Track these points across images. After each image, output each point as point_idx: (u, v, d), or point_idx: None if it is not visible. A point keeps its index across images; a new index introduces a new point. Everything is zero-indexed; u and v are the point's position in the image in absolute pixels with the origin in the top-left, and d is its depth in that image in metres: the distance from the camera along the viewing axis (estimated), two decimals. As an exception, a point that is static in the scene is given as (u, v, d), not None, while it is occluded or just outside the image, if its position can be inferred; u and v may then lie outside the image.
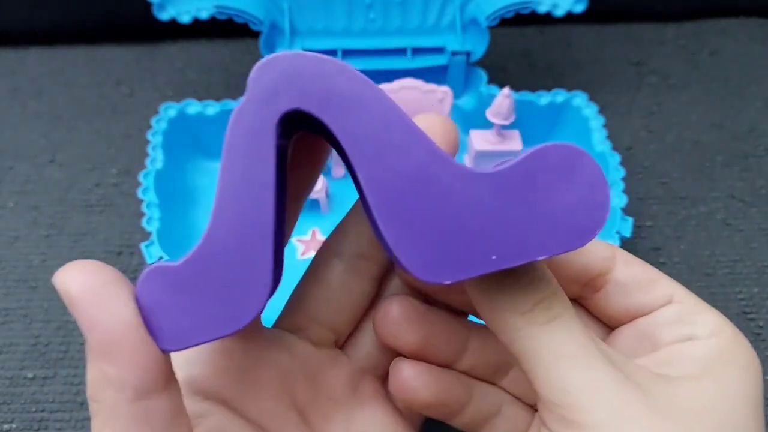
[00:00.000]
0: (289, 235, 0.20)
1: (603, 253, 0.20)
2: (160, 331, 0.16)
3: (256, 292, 0.16)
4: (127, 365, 0.15)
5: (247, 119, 0.15)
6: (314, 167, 0.19)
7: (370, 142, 0.15)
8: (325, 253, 0.21)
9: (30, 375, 0.36)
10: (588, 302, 0.21)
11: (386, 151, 0.15)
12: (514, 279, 0.17)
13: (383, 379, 0.22)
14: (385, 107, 0.15)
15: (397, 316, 0.20)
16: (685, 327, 0.19)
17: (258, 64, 0.15)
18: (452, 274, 0.16)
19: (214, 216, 0.16)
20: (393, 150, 0.15)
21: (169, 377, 0.16)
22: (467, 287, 0.18)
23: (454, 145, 0.18)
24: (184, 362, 0.19)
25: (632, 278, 0.20)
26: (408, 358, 0.21)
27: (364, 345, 0.21)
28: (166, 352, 0.16)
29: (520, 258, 0.16)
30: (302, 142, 0.18)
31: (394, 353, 0.21)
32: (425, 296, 0.22)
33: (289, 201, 0.19)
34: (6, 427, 0.34)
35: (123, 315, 0.15)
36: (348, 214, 0.20)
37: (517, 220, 0.16)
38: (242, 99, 0.15)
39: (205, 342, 0.16)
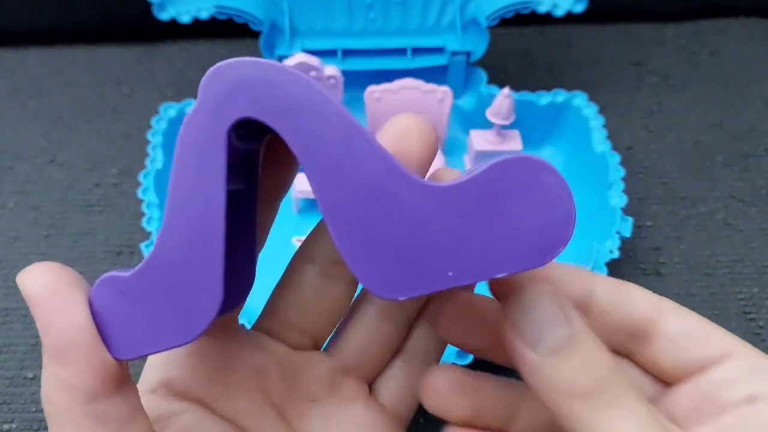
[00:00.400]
0: (264, 239, 0.20)
1: (646, 300, 0.19)
2: (113, 340, 0.16)
3: (205, 305, 0.16)
4: (79, 369, 0.15)
5: (197, 128, 0.15)
6: (287, 170, 0.19)
7: (326, 154, 0.15)
8: (298, 259, 0.20)
9: (30, 375, 0.36)
10: (639, 357, 0.20)
11: (341, 164, 0.15)
12: (567, 360, 0.16)
13: (367, 380, 0.22)
14: (341, 119, 0.15)
15: (444, 390, 0.20)
16: (747, 386, 0.18)
17: (209, 71, 0.15)
18: (406, 290, 0.15)
19: (164, 227, 0.15)
20: (348, 163, 0.15)
21: (122, 381, 0.16)
22: (519, 367, 0.17)
23: (431, 146, 0.17)
24: (161, 363, 0.19)
25: (684, 331, 0.19)
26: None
27: (347, 347, 0.21)
28: (117, 360, 0.16)
29: (478, 275, 0.15)
30: (274, 144, 0.18)
31: (378, 356, 0.21)
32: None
33: (262, 204, 0.18)
34: (6, 427, 0.34)
35: (77, 319, 0.15)
36: (321, 221, 0.20)
37: (475, 235, 0.15)
38: (193, 106, 0.15)
39: (155, 352, 0.16)
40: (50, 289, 0.15)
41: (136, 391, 0.17)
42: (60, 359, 0.15)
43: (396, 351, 0.21)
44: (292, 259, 0.21)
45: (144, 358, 0.16)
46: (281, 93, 0.15)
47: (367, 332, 0.21)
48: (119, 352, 0.16)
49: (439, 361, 0.22)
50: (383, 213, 0.15)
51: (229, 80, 0.15)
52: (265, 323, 0.21)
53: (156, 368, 0.19)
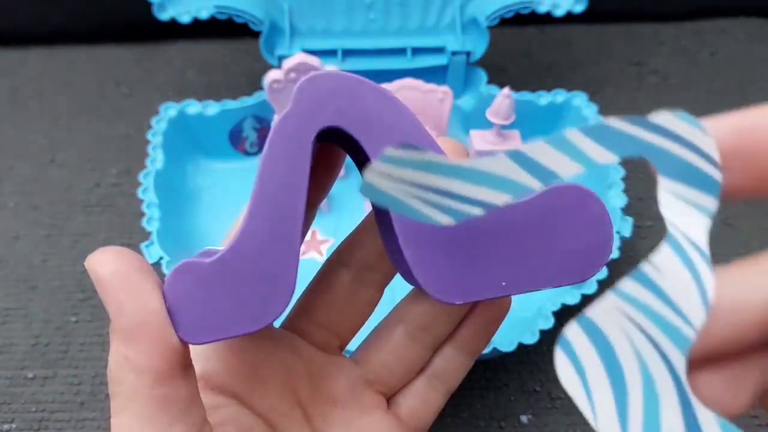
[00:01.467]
0: (302, 239, 0.21)
1: None
2: (185, 324, 0.16)
3: (280, 293, 0.17)
4: (147, 350, 0.16)
5: (288, 131, 0.16)
6: (330, 175, 0.20)
7: None
8: (333, 262, 0.21)
9: (30, 375, 0.36)
10: None
11: None
12: None
13: (386, 394, 0.22)
14: (414, 132, 0.16)
15: None
16: None
17: (303, 80, 0.16)
18: (463, 295, 0.17)
19: (247, 219, 0.16)
20: None
21: (186, 366, 0.17)
22: None
23: None
24: (200, 358, 0.20)
25: None
26: None
27: (373, 360, 0.22)
28: (186, 344, 0.16)
29: (527, 287, 0.17)
30: (320, 150, 0.19)
31: (401, 374, 0.22)
32: None
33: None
34: (6, 427, 0.34)
35: (149, 303, 0.16)
36: (359, 227, 0.21)
37: (528, 251, 0.17)
38: (286, 111, 0.16)
39: (226, 338, 0.17)
40: (122, 273, 0.16)
41: (195, 377, 0.17)
42: (129, 340, 0.16)
43: (419, 370, 0.22)
44: (327, 261, 0.21)
45: (211, 342, 0.17)
46: (363, 105, 0.16)
47: (394, 350, 0.21)
48: (190, 336, 0.16)
49: (459, 382, 0.22)
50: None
51: (320, 91, 0.16)
52: (296, 322, 0.21)
53: (196, 362, 0.19)
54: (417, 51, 0.45)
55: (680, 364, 0.14)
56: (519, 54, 0.53)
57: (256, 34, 0.43)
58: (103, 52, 0.53)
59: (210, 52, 0.53)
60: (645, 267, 0.14)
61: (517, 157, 0.14)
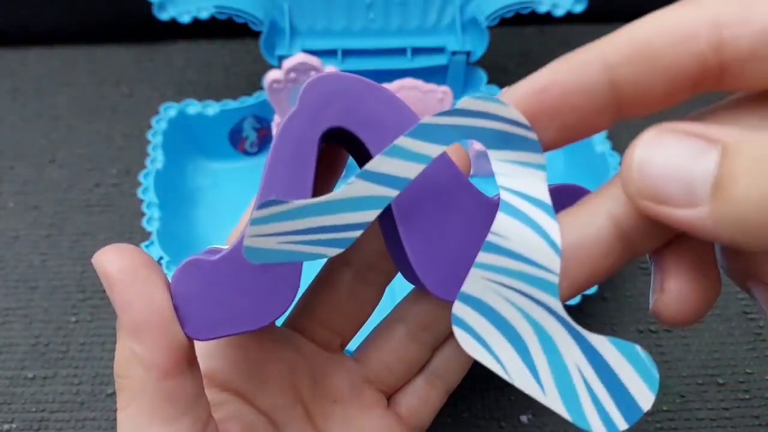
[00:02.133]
0: None
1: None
2: (190, 320, 0.17)
3: (285, 291, 0.17)
4: (155, 347, 0.16)
5: (294, 132, 0.16)
6: (332, 176, 0.20)
7: None
8: (335, 261, 0.21)
9: (30, 375, 0.36)
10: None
11: None
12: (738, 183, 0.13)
13: (386, 393, 0.22)
14: None
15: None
16: None
17: (308, 82, 0.16)
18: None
19: None
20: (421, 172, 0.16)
21: (192, 362, 0.17)
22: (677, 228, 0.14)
23: (465, 170, 0.19)
24: (204, 355, 0.20)
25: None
26: None
27: (374, 358, 0.22)
28: (192, 339, 0.17)
29: None
30: (323, 152, 0.19)
31: (401, 374, 0.22)
32: None
33: None
34: (6, 427, 0.34)
35: (155, 299, 0.16)
36: None
37: None
38: (291, 111, 0.16)
39: (230, 334, 0.17)
40: (129, 269, 0.16)
41: (200, 372, 0.17)
42: (136, 335, 0.16)
43: (419, 369, 0.22)
44: (328, 261, 0.21)
45: (217, 339, 0.17)
46: (368, 106, 0.17)
47: (394, 350, 0.21)
48: (195, 332, 0.17)
49: (459, 382, 0.22)
50: (448, 218, 0.17)
51: (325, 92, 0.16)
52: (297, 320, 0.22)
53: (200, 360, 0.20)
54: (417, 51, 0.45)
55: (556, 305, 0.16)
56: (519, 54, 0.53)
57: (256, 34, 0.43)
58: (103, 52, 0.53)
59: (210, 52, 0.53)
60: (489, 237, 0.16)
61: (366, 175, 0.15)
